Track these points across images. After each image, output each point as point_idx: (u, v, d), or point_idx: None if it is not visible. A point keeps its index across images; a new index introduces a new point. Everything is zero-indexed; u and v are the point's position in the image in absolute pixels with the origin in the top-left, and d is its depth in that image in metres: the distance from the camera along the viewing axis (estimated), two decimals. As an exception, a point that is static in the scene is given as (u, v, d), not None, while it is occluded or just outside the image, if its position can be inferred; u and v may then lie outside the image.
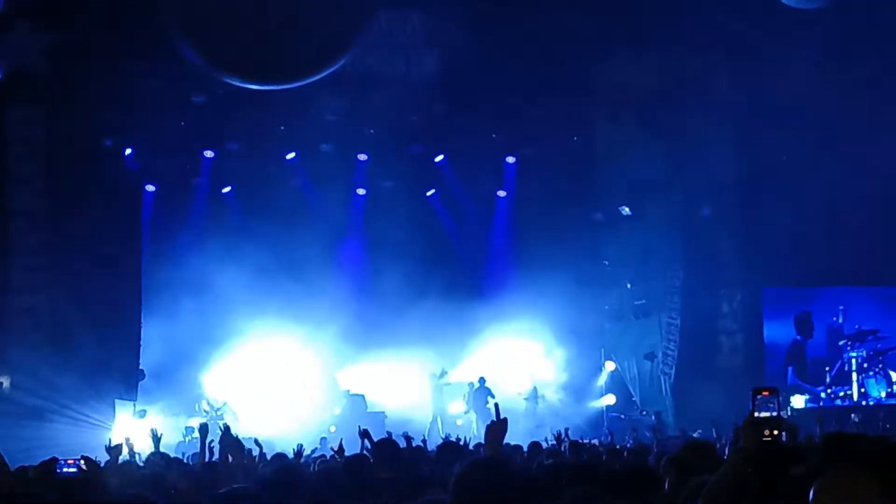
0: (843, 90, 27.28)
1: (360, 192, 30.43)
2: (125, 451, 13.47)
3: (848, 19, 24.78)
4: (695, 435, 17.65)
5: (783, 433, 5.41)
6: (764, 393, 5.45)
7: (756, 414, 5.42)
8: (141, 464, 13.38)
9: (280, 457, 13.09)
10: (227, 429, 11.20)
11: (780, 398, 5.45)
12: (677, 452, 8.71)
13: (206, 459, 11.98)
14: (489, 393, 28.46)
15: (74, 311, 24.58)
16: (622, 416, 28.93)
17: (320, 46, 15.03)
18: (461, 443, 13.77)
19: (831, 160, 28.01)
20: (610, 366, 30.76)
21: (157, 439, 13.18)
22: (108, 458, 11.80)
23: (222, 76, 16.04)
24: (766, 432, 5.38)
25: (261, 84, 17.70)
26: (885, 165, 27.42)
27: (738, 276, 28.79)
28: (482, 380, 28.73)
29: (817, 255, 27.69)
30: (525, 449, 14.62)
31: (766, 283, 28.83)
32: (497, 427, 6.79)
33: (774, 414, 5.41)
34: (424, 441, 17.27)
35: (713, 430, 17.14)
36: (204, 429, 12.86)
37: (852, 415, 23.45)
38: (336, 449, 12.42)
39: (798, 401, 27.95)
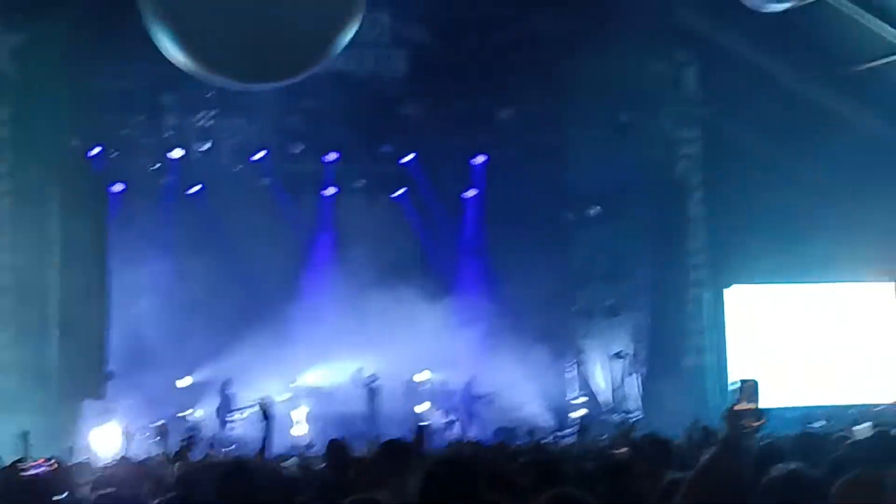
0: (809, 89, 27.42)
1: (329, 191, 30.39)
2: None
3: (810, 19, 24.89)
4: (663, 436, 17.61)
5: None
6: (746, 385, 5.45)
7: (737, 406, 5.41)
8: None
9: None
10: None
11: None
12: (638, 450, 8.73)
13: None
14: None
15: (40, 310, 24.46)
16: (592, 416, 28.97)
17: (305, 45, 14.97)
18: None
19: (798, 158, 28.16)
20: (578, 366, 30.83)
21: (165, 435, 13.03)
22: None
23: (206, 75, 15.96)
24: (748, 423, 5.39)
25: (245, 83, 17.63)
26: (850, 163, 27.56)
27: (706, 275, 28.88)
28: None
29: (784, 253, 27.78)
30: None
31: (731, 282, 28.93)
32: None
33: (756, 405, 5.42)
34: None
35: (689, 427, 17.06)
36: (164, 429, 12.82)
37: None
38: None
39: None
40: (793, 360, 28.74)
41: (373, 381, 28.49)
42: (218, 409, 27.65)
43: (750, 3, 19.52)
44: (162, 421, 14.09)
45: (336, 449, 9.88)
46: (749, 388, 5.45)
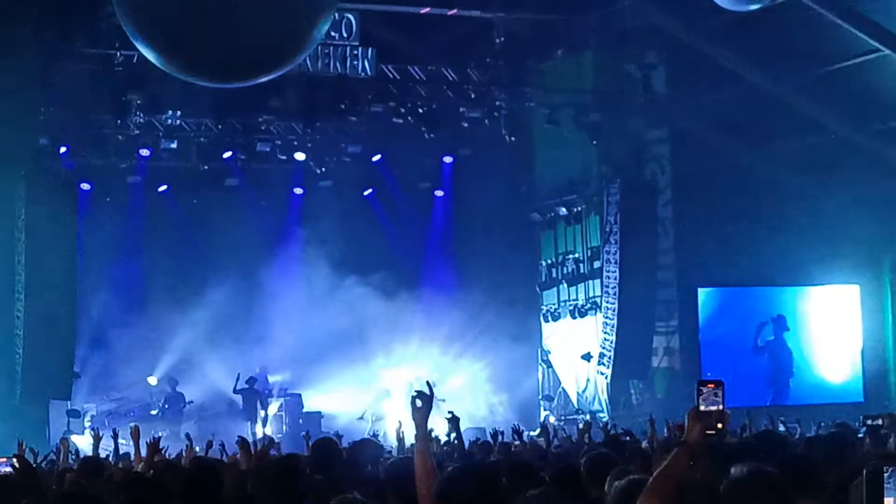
0: (778, 90, 27.48)
1: (298, 191, 30.37)
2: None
3: (778, 21, 24.96)
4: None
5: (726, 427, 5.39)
6: (709, 386, 5.40)
7: (701, 407, 5.38)
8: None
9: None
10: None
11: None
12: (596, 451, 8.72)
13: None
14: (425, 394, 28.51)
15: (8, 310, 24.33)
16: (562, 418, 28.97)
17: (275, 44, 14.91)
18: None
19: (766, 160, 28.22)
20: (544, 366, 30.83)
21: (137, 438, 13.00)
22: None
23: (180, 75, 15.88)
24: (711, 424, 5.35)
25: (220, 83, 17.55)
26: (817, 165, 27.64)
27: (674, 277, 28.94)
28: (388, 391, 28.74)
29: (750, 255, 27.88)
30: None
31: (700, 284, 28.98)
32: (423, 405, 6.70)
33: (719, 408, 5.38)
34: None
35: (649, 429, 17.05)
36: (136, 431, 12.82)
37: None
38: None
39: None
40: (762, 361, 28.90)
41: (253, 383, 28.30)
42: (164, 409, 27.56)
43: (723, 2, 19.52)
44: (134, 423, 14.05)
45: (324, 447, 9.76)
46: (713, 389, 5.41)
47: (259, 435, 26.83)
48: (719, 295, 29.43)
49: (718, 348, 28.78)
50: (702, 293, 29.14)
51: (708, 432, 5.36)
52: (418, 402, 6.66)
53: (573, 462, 8.62)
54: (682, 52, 27.73)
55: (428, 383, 7.04)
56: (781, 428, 17.41)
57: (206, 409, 28.00)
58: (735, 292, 29.39)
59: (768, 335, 29.00)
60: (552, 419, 27.94)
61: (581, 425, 17.62)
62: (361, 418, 28.00)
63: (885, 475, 4.87)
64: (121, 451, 15.54)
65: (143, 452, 12.52)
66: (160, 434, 12.05)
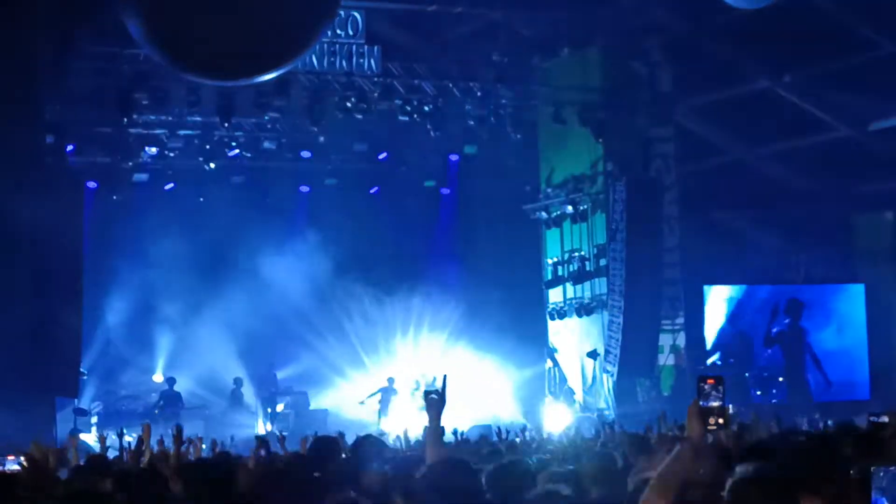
0: (782, 88, 27.50)
1: (304, 189, 30.41)
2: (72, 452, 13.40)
3: (786, 19, 24.99)
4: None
5: (729, 424, 5.40)
6: (709, 381, 5.41)
7: (701, 403, 5.38)
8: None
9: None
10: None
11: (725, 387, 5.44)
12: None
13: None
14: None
15: (14, 308, 24.33)
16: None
17: (283, 42, 14.93)
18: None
19: (770, 160, 28.24)
20: (550, 364, 30.83)
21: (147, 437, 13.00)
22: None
23: (183, 72, 15.92)
24: (712, 421, 5.36)
25: (222, 81, 17.58)
26: (821, 165, 27.66)
27: (680, 274, 28.95)
28: (391, 380, 28.67)
29: (757, 253, 27.90)
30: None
31: (706, 282, 28.99)
32: (437, 400, 6.95)
33: (720, 403, 5.39)
34: None
35: (657, 426, 17.09)
36: (146, 430, 12.80)
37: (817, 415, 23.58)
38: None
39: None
40: (774, 353, 28.94)
41: (240, 386, 28.36)
42: (162, 406, 27.56)
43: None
44: (146, 422, 14.04)
45: (324, 444, 9.75)
46: (714, 385, 5.42)
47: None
48: (726, 293, 29.43)
49: (724, 345, 28.83)
50: (707, 291, 29.17)
51: (709, 427, 5.38)
52: (433, 397, 6.93)
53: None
54: (687, 51, 27.74)
55: (444, 376, 7.22)
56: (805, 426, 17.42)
57: (211, 408, 28.01)
58: (740, 290, 29.40)
59: (780, 325, 29.00)
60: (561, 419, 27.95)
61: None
62: (362, 403, 28.03)
63: (880, 475, 4.87)
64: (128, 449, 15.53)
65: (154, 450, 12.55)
66: (182, 426, 12.02)
